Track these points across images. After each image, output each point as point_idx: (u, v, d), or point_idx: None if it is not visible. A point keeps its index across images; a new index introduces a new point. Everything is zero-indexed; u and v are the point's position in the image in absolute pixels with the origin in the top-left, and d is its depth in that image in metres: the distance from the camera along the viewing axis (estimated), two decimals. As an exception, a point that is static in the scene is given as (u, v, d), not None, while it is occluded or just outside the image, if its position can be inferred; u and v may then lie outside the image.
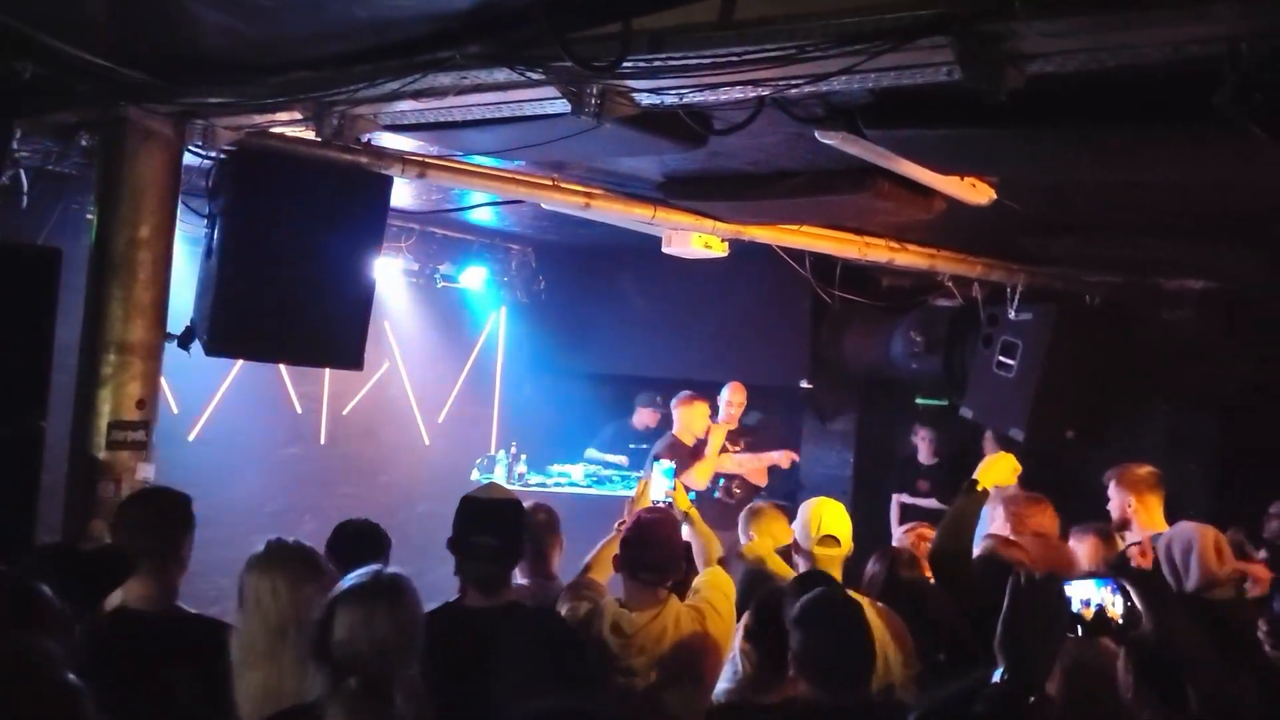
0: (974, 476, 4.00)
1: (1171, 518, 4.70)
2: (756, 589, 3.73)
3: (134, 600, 2.98)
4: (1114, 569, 3.22)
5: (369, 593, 2.28)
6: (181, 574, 3.07)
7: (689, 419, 7.20)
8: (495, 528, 3.11)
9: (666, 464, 4.53)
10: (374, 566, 2.40)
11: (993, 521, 5.56)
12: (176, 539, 3.05)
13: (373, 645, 2.20)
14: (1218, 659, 2.63)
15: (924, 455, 8.19)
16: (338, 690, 2.21)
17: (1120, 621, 2.49)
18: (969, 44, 2.61)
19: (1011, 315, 6.80)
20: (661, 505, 4.25)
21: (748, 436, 7.66)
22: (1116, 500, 4.69)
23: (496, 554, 3.08)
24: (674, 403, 7.37)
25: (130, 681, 2.67)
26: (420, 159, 5.02)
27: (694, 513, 4.22)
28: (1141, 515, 4.61)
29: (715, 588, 3.65)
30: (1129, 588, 2.54)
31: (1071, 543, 4.57)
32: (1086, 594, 2.61)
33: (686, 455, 6.97)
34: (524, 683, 2.58)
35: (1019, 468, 3.99)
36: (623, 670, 3.30)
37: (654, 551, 3.49)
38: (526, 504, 3.55)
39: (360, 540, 3.56)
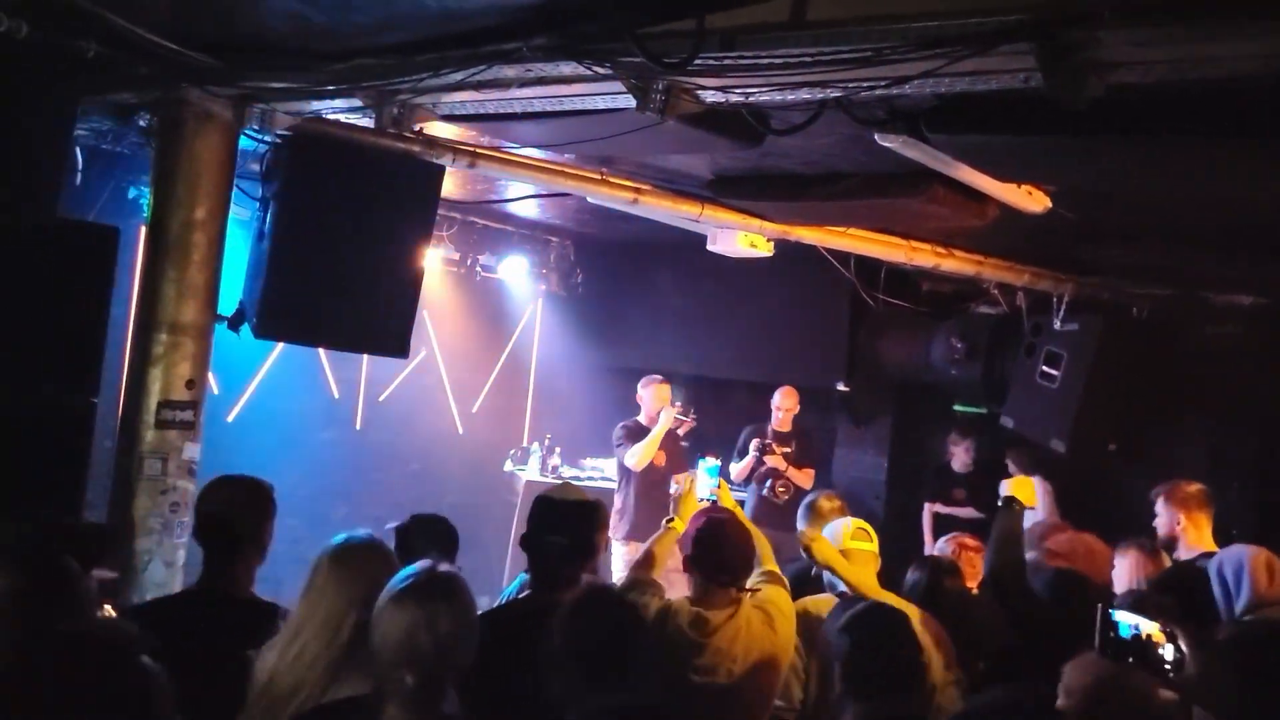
0: (1009, 494, 4.01)
1: (1215, 535, 4.65)
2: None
3: (214, 582, 3.02)
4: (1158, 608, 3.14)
5: (428, 591, 2.26)
6: (261, 561, 3.10)
7: (648, 400, 7.46)
8: (568, 527, 3.12)
9: (712, 462, 4.51)
10: (427, 562, 2.37)
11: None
12: (260, 525, 3.07)
13: (434, 644, 2.18)
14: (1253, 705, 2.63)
15: (959, 464, 8.12)
16: (393, 686, 2.20)
17: (1169, 665, 2.52)
18: (1052, 51, 2.58)
19: (1057, 325, 6.74)
20: (705, 503, 4.24)
21: (796, 441, 7.77)
22: (1165, 517, 4.62)
23: (567, 553, 3.09)
24: (640, 385, 7.58)
25: (206, 661, 2.68)
26: (471, 148, 5.02)
27: (739, 511, 4.21)
28: (1190, 533, 4.54)
29: (776, 589, 3.64)
30: (1178, 633, 2.57)
31: (1115, 559, 4.51)
32: (1136, 623, 2.64)
33: (630, 433, 7.36)
34: (587, 679, 2.56)
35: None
36: (699, 669, 3.29)
37: (730, 553, 3.47)
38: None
39: (430, 537, 3.55)
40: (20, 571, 2.46)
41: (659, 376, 7.61)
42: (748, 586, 3.53)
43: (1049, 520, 5.07)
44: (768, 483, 7.67)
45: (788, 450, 7.68)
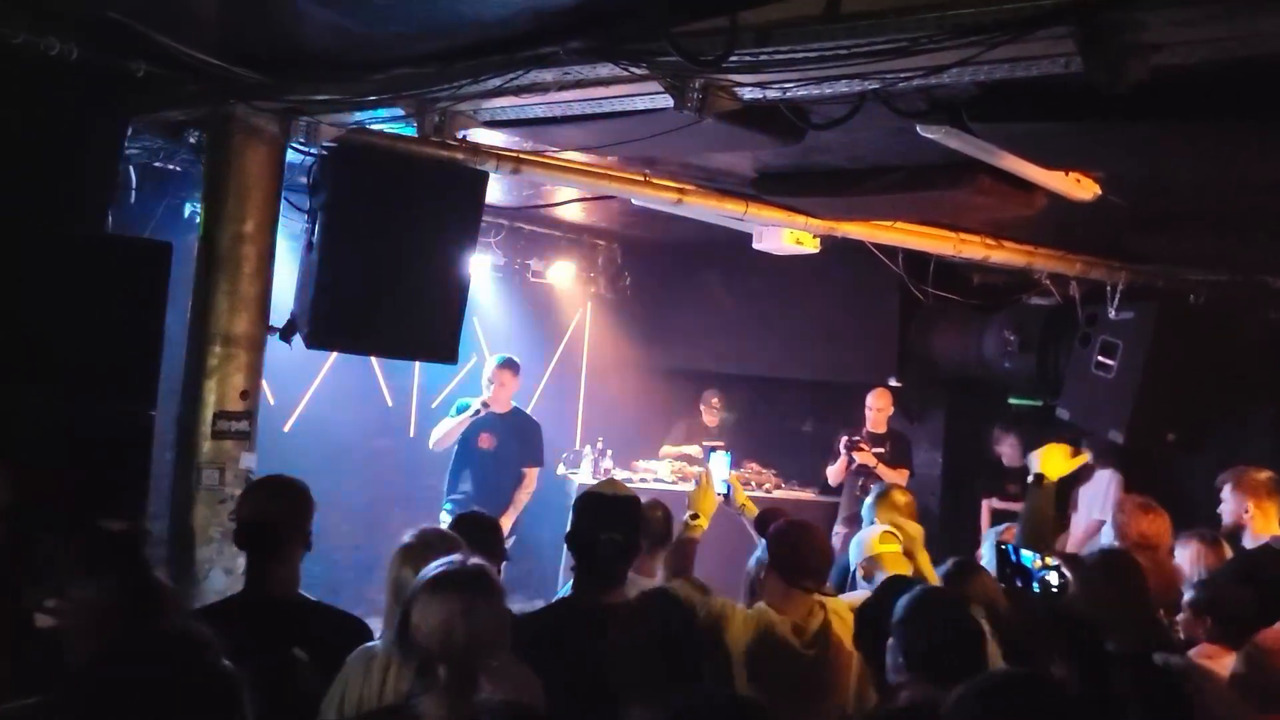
0: (1037, 470, 3.93)
1: (1280, 524, 4.54)
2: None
3: (261, 586, 3.06)
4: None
5: (463, 582, 2.27)
6: (302, 558, 3.12)
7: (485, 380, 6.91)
8: (620, 524, 3.10)
9: (723, 452, 4.53)
10: (456, 556, 2.39)
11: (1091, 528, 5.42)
12: (302, 524, 3.10)
13: (468, 636, 2.20)
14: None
15: (1008, 458, 8.03)
16: (428, 681, 2.22)
17: (1055, 588, 2.97)
18: (1091, 34, 2.54)
19: (1111, 314, 6.61)
20: (720, 498, 4.25)
21: (891, 442, 7.80)
22: (1232, 505, 4.53)
23: (622, 550, 3.07)
24: (501, 364, 6.97)
25: (254, 662, 2.72)
26: (515, 154, 5.05)
27: (750, 506, 4.23)
28: (1259, 521, 4.45)
29: (835, 598, 3.62)
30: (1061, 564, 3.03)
31: (1176, 549, 4.42)
32: (1031, 556, 3.14)
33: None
34: (644, 680, 2.55)
35: (1070, 451, 3.97)
36: (805, 682, 3.26)
37: (815, 557, 3.44)
38: (644, 500, 3.54)
39: (479, 533, 3.57)
40: (111, 581, 2.49)
41: (515, 362, 7.10)
42: None
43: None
44: (859, 481, 7.63)
45: (880, 450, 7.69)
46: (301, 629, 2.85)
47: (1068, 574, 2.95)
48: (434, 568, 2.33)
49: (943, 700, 2.48)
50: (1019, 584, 3.05)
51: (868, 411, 7.82)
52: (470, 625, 2.21)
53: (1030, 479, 4.02)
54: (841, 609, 3.46)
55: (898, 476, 7.52)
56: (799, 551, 3.40)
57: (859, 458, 7.63)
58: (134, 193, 5.40)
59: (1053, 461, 3.88)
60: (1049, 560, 3.05)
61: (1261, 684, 2.96)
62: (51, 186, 4.11)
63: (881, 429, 7.81)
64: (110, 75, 4.02)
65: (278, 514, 3.07)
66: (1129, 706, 2.54)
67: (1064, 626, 2.82)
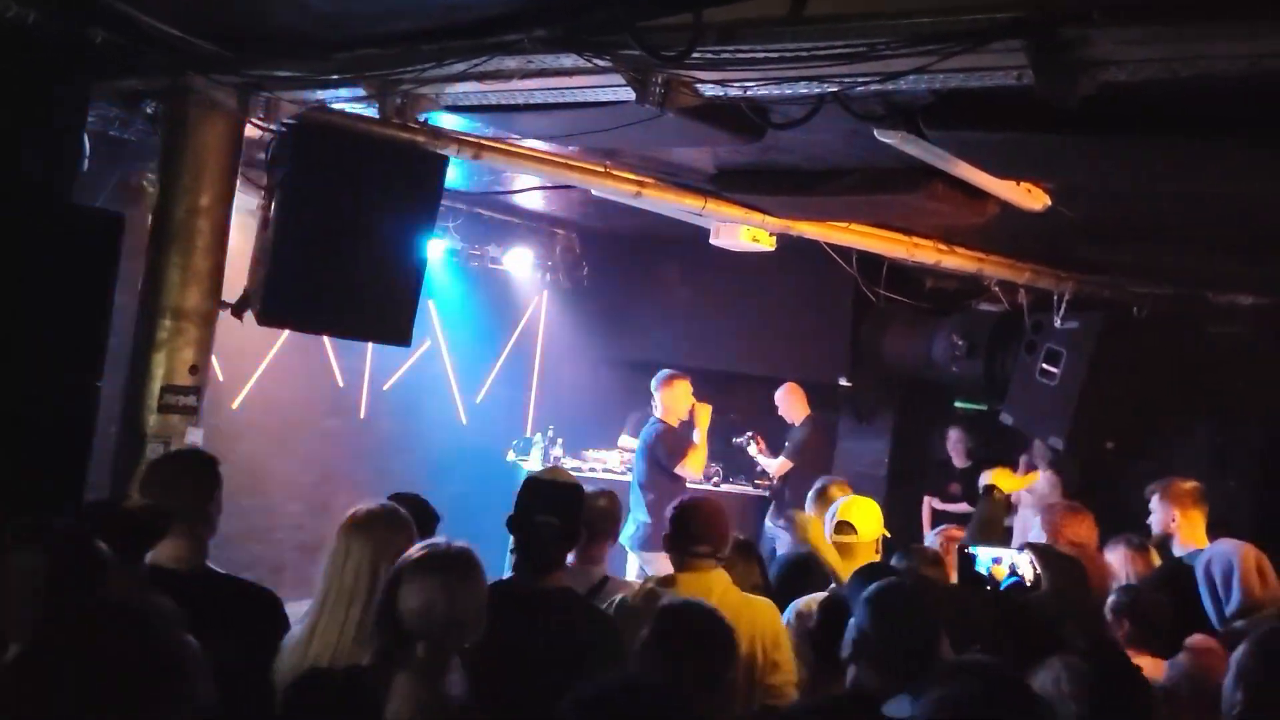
0: (989, 483, 4.54)
1: (1213, 535, 4.67)
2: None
3: (166, 559, 2.99)
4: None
5: (448, 563, 2.31)
6: (211, 534, 3.11)
7: (672, 400, 6.92)
8: (559, 509, 3.14)
9: None
10: (441, 538, 2.44)
11: (1029, 530, 5.56)
12: (205, 499, 3.09)
13: (447, 617, 2.23)
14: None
15: (959, 458, 8.17)
16: (404, 656, 2.24)
17: (1029, 583, 2.92)
18: (1043, 49, 2.61)
19: (1057, 323, 6.76)
20: None
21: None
22: (1159, 514, 4.65)
23: (558, 535, 3.11)
24: (655, 385, 7.02)
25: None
26: (476, 140, 5.04)
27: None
28: (1185, 530, 4.57)
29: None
30: (1032, 556, 3.00)
31: (1106, 554, 4.54)
32: (995, 555, 3.09)
33: (677, 441, 6.81)
34: (569, 667, 2.59)
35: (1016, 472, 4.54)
36: None
37: (700, 527, 3.53)
38: (589, 489, 3.58)
39: (415, 515, 3.58)
40: (45, 552, 2.48)
41: (671, 371, 7.09)
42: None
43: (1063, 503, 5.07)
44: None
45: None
46: (207, 601, 2.80)
47: (1038, 567, 2.96)
48: (418, 548, 2.37)
49: (886, 688, 2.53)
50: (988, 586, 3.06)
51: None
52: (450, 606, 2.26)
53: (981, 490, 4.50)
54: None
55: (773, 465, 7.99)
56: (686, 523, 3.53)
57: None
58: (86, 161, 5.31)
59: (1004, 479, 4.53)
60: (1009, 555, 3.05)
61: (1199, 686, 3.05)
62: (10, 153, 4.05)
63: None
64: (68, 42, 3.96)
65: (179, 487, 3.06)
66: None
67: (1022, 620, 2.86)
